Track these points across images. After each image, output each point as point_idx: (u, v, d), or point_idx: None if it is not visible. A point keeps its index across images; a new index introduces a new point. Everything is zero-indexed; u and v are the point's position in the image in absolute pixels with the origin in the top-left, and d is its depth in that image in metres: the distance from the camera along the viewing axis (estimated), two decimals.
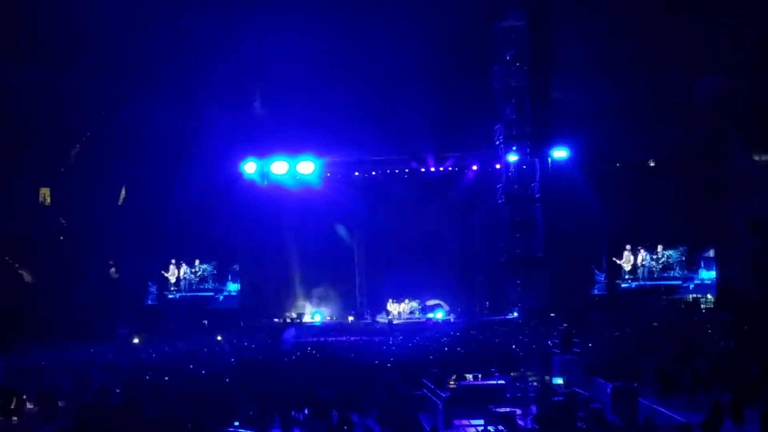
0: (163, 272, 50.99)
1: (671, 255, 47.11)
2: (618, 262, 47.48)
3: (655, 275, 47.27)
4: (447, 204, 49.04)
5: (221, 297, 50.84)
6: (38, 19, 43.00)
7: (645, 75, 43.60)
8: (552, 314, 43.21)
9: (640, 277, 47.37)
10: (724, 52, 42.01)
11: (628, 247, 47.31)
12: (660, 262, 47.21)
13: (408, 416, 22.91)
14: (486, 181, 48.42)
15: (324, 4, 43.92)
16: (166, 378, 27.26)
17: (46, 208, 50.13)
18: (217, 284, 50.93)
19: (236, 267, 50.56)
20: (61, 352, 35.76)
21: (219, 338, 41.33)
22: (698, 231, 46.00)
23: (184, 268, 50.97)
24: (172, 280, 50.97)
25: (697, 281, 46.85)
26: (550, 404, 22.95)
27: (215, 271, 50.90)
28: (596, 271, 47.69)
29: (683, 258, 46.99)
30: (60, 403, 24.01)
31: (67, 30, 43.20)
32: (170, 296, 51.07)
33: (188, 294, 51.04)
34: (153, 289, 50.94)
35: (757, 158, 45.38)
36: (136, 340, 41.59)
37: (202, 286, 51.11)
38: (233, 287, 50.86)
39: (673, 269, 47.12)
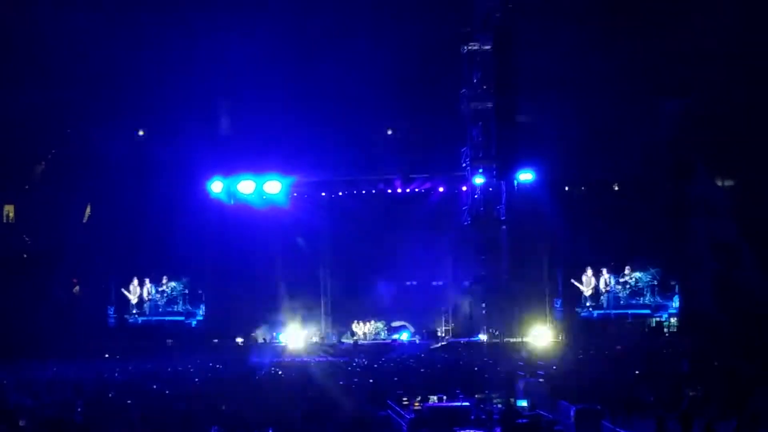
0: (124, 291, 48.14)
1: (641, 278, 45.12)
2: (579, 286, 45.65)
3: (622, 302, 45.14)
4: (413, 225, 48.97)
5: (193, 322, 48.29)
6: (1, 37, 42.74)
7: (610, 98, 43.89)
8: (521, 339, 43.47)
9: (604, 305, 45.26)
10: (688, 75, 42.45)
11: (589, 270, 45.63)
12: (627, 286, 45.27)
13: None
14: (452, 203, 48.65)
15: (291, 25, 44.03)
16: (129, 400, 27.02)
17: (10, 225, 49.72)
18: (188, 306, 48.24)
19: (200, 292, 48.83)
20: (23, 370, 35.42)
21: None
22: (667, 255, 45.29)
23: (147, 286, 48.21)
24: (134, 300, 48.02)
25: (671, 310, 44.78)
26: (514, 426, 22.95)
27: (186, 291, 48.36)
28: (554, 298, 46.26)
29: (655, 282, 44.99)
30: (21, 422, 23.71)
31: (31, 48, 43.02)
32: (131, 320, 48.09)
33: (153, 318, 48.00)
34: (112, 310, 48.27)
35: (720, 183, 45.80)
36: None
37: (170, 309, 48.23)
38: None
39: (644, 295, 45.03)
